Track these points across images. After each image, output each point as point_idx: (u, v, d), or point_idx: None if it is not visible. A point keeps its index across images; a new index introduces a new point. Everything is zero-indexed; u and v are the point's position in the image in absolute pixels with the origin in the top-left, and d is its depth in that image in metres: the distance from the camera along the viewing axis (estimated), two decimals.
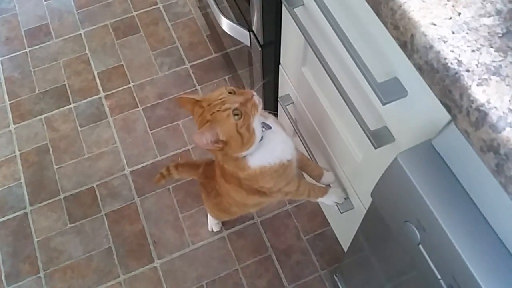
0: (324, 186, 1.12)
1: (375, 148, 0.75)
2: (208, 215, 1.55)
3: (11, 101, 1.87)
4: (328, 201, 1.10)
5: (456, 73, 0.50)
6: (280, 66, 1.23)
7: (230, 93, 0.89)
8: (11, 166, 1.74)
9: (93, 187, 1.69)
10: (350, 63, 0.79)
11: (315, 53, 0.84)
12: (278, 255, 1.55)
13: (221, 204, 1.24)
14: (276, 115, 1.50)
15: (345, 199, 1.10)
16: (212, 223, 1.57)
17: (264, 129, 0.93)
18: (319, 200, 1.10)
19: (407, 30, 0.55)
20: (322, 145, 1.15)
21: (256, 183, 1.00)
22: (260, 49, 1.16)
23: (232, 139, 0.87)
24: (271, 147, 0.94)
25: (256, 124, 0.88)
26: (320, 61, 0.83)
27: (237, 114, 0.84)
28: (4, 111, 1.85)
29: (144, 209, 1.64)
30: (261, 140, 0.92)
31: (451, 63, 0.50)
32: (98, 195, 1.67)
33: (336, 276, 1.41)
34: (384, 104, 0.64)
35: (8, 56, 1.97)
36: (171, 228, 1.61)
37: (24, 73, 1.93)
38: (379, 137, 0.76)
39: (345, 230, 1.30)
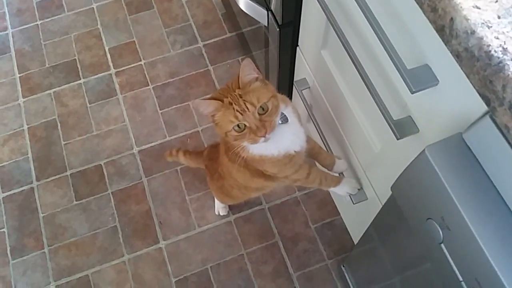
0: (337, 175, 1.08)
1: (398, 139, 0.71)
2: (215, 199, 1.52)
3: (20, 74, 1.84)
4: (340, 191, 1.06)
5: (500, 62, 0.45)
6: (297, 48, 1.18)
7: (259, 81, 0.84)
8: (18, 140, 1.72)
9: (101, 164, 1.67)
10: (376, 47, 0.74)
11: (337, 35, 0.79)
12: (285, 242, 1.52)
13: (223, 187, 1.21)
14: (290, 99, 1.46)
15: (358, 189, 1.06)
16: (219, 207, 1.54)
17: (280, 122, 0.88)
18: (331, 189, 1.07)
19: (446, 13, 0.50)
20: (338, 132, 1.11)
21: (260, 166, 0.97)
22: (278, 29, 1.11)
23: (220, 131, 0.85)
24: (278, 139, 0.89)
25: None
26: (342, 43, 0.78)
27: (239, 127, 0.81)
28: (14, 84, 1.82)
29: (151, 189, 1.62)
30: None
31: (495, 51, 0.46)
32: (105, 173, 1.65)
33: (343, 266, 1.38)
34: (413, 92, 0.60)
35: (19, 28, 1.94)
36: (178, 210, 1.59)
37: (35, 46, 1.90)
38: (402, 128, 0.71)
39: (356, 221, 1.26)
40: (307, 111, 1.18)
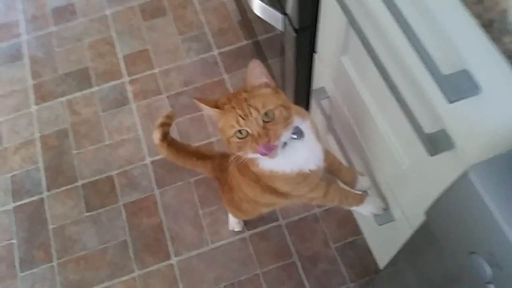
0: (359, 193, 0.99)
1: (431, 156, 0.62)
2: (229, 213, 1.44)
3: (33, 81, 1.81)
4: (364, 211, 0.96)
5: None
6: (315, 55, 1.10)
7: (271, 88, 0.77)
8: (30, 148, 1.69)
9: (112, 175, 1.61)
10: (404, 51, 0.65)
11: (359, 38, 0.71)
12: (303, 262, 1.43)
13: (233, 199, 1.12)
14: (307, 110, 1.37)
15: (384, 209, 0.96)
16: (233, 222, 1.46)
17: (295, 137, 0.80)
18: (354, 209, 0.97)
19: (496, 5, 0.41)
20: (360, 146, 1.01)
21: (271, 182, 0.88)
22: (294, 34, 1.03)
23: (223, 137, 0.78)
24: (291, 156, 0.81)
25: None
26: (365, 47, 0.70)
27: (241, 133, 0.75)
28: (26, 92, 1.80)
29: (163, 202, 1.55)
30: (283, 146, 0.80)
31: None
32: (117, 184, 1.60)
33: None
34: (451, 102, 0.51)
35: (33, 35, 1.92)
36: (190, 225, 1.51)
37: (48, 52, 1.87)
38: (436, 142, 0.62)
39: (381, 242, 1.16)
40: (326, 123, 1.09)
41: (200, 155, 1.13)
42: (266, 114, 0.74)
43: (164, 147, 1.06)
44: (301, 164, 0.83)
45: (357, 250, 1.43)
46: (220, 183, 1.19)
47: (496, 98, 0.52)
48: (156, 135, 1.04)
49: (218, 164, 1.12)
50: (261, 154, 0.75)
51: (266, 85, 0.77)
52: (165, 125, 1.05)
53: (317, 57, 1.09)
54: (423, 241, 0.66)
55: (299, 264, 1.43)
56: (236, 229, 1.47)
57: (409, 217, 0.89)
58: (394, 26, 0.59)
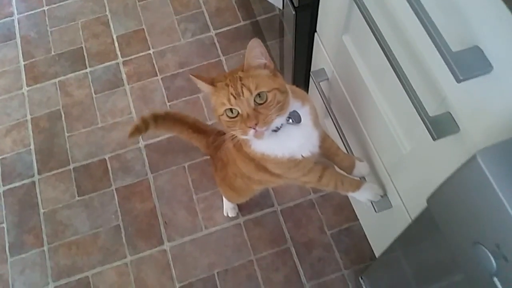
0: (356, 179, 0.95)
1: (434, 140, 0.58)
2: (223, 198, 1.41)
3: (25, 62, 1.76)
4: (361, 197, 0.93)
5: None
6: (315, 34, 1.05)
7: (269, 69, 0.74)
8: (21, 131, 1.64)
9: (105, 159, 1.57)
10: (409, 26, 0.61)
11: (362, 14, 0.66)
12: (298, 248, 1.40)
13: (227, 176, 1.10)
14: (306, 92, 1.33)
15: (381, 196, 0.93)
16: (228, 207, 1.43)
17: (291, 121, 0.78)
18: (350, 195, 0.94)
19: None
20: (359, 129, 0.98)
21: (263, 163, 0.86)
22: (293, 12, 0.98)
23: (215, 114, 0.76)
24: (284, 140, 0.79)
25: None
26: (368, 24, 0.65)
27: (232, 112, 0.73)
28: (18, 72, 1.75)
29: (156, 187, 1.52)
30: (276, 130, 0.78)
31: None
32: (109, 168, 1.56)
33: (361, 278, 1.26)
34: (460, 81, 0.47)
35: (25, 14, 1.86)
36: (184, 210, 1.48)
37: (41, 32, 1.81)
38: (440, 126, 0.59)
39: (377, 229, 1.13)
40: (325, 105, 1.05)
41: (196, 128, 1.14)
42: (259, 96, 0.72)
43: (154, 128, 1.12)
44: (293, 149, 0.81)
45: (352, 237, 1.41)
46: (213, 161, 1.16)
47: (506, 77, 0.48)
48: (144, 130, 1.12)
49: (213, 141, 1.10)
50: (248, 136, 0.74)
51: (265, 67, 0.74)
52: (145, 120, 1.12)
53: (317, 37, 1.04)
54: (422, 230, 0.63)
55: (293, 251, 1.40)
56: (231, 215, 1.44)
57: (407, 204, 0.86)
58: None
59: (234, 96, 0.71)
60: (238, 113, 0.73)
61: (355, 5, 0.70)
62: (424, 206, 0.78)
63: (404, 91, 0.63)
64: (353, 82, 0.92)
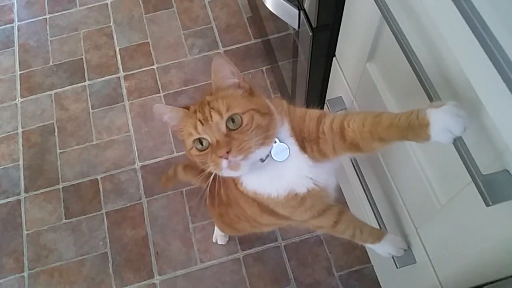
0: (377, 229, 0.82)
1: (488, 205, 0.46)
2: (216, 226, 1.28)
3: (21, 71, 1.67)
4: (380, 251, 0.80)
5: None
6: (334, 59, 0.94)
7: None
8: (11, 144, 1.54)
9: (97, 179, 1.46)
10: (456, 58, 0.49)
11: (397, 39, 0.55)
12: None
13: (226, 216, 0.95)
14: None
15: (404, 250, 0.80)
16: (218, 235, 1.31)
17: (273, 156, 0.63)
18: (368, 246, 0.81)
19: None
20: (381, 172, 0.85)
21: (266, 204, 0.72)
22: (310, 33, 0.87)
23: (185, 150, 0.63)
24: (274, 174, 0.65)
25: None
26: (404, 50, 0.54)
27: (201, 143, 0.60)
28: (13, 82, 1.65)
29: (150, 213, 1.40)
30: (263, 160, 0.63)
31: None
32: (101, 189, 1.44)
33: None
34: None
35: (26, 21, 1.77)
36: (179, 240, 1.36)
37: (40, 41, 1.72)
38: (494, 188, 0.46)
39: (394, 280, 1.00)
40: None
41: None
42: (232, 120, 0.59)
43: (183, 176, 1.02)
44: (288, 185, 0.66)
45: (363, 281, 1.27)
46: (210, 193, 1.02)
47: None
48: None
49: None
50: (222, 170, 0.60)
51: (238, 86, 0.62)
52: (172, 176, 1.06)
53: (336, 62, 0.93)
54: None
55: None
56: (220, 242, 1.32)
57: (435, 262, 0.73)
58: (446, 21, 0.43)
59: (201, 122, 0.59)
60: (208, 144, 0.60)
61: (387, 28, 0.58)
62: (459, 270, 0.65)
63: None
64: None
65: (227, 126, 0.59)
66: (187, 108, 0.63)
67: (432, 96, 0.52)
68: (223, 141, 0.58)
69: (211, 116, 0.59)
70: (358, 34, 0.78)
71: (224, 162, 0.58)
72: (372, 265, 1.24)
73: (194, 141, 0.60)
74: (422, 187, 0.69)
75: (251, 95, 0.63)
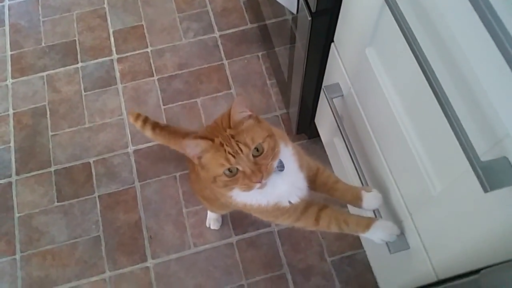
0: (365, 216, 0.83)
1: (486, 191, 0.46)
2: (208, 209, 1.29)
3: (12, 52, 1.64)
4: (372, 237, 0.81)
5: None
6: (332, 44, 0.93)
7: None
8: (1, 126, 1.51)
9: (89, 162, 1.45)
10: (458, 42, 0.49)
11: (399, 23, 0.54)
12: (295, 274, 1.28)
13: (204, 191, 1.01)
14: (315, 108, 1.21)
15: (397, 236, 0.80)
16: (211, 218, 1.32)
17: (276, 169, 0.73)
18: (361, 235, 0.82)
19: None
20: (376, 155, 0.86)
21: (247, 211, 0.82)
22: (309, 18, 0.86)
23: (207, 175, 0.72)
24: (268, 189, 0.74)
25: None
26: (405, 36, 0.53)
27: (231, 171, 0.69)
28: (4, 63, 1.62)
29: (143, 197, 1.39)
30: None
31: None
32: (93, 172, 1.43)
33: None
34: None
35: (17, 1, 1.73)
36: (172, 224, 1.36)
37: (32, 22, 1.69)
38: (493, 174, 0.46)
39: (387, 265, 1.01)
40: (337, 124, 0.93)
41: (184, 134, 1.06)
42: (256, 149, 0.70)
43: (159, 134, 1.08)
44: (279, 197, 0.77)
45: (355, 266, 1.29)
46: (190, 164, 1.04)
47: None
48: (147, 131, 1.09)
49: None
50: (251, 190, 0.71)
51: (249, 117, 0.72)
52: (147, 120, 1.09)
53: (334, 48, 0.92)
54: None
55: (289, 277, 1.28)
56: (213, 227, 1.33)
57: (429, 248, 0.74)
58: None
59: (232, 155, 0.68)
60: (237, 170, 0.69)
61: (388, 13, 0.58)
62: (453, 256, 0.66)
63: (446, 122, 0.51)
64: (374, 102, 0.80)
65: (252, 155, 0.69)
66: (212, 140, 0.70)
67: (433, 83, 0.52)
68: (255, 169, 0.68)
69: (240, 150, 0.68)
70: (358, 19, 0.77)
71: (257, 185, 0.70)
72: (365, 251, 1.25)
73: (225, 170, 0.69)
74: (417, 173, 0.70)
75: (259, 121, 0.72)
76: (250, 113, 0.71)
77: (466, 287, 0.51)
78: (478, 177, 0.46)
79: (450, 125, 0.50)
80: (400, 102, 0.71)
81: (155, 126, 1.08)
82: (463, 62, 0.51)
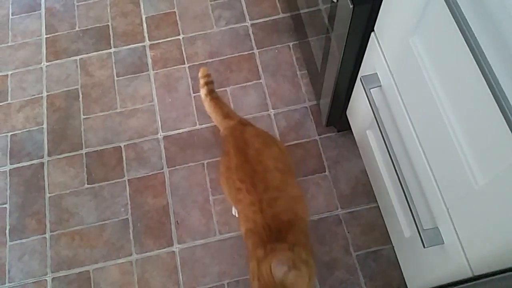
0: None
1: None
2: None
3: (47, 35, 1.67)
4: None
5: None
6: (372, 33, 0.92)
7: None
8: (35, 107, 1.55)
9: (120, 146, 1.47)
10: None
11: (451, 10, 0.53)
12: (319, 267, 1.28)
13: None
14: (348, 98, 1.20)
15: (432, 229, 0.79)
16: None
17: None
18: None
19: None
20: (414, 148, 0.84)
21: None
22: (351, 6, 0.85)
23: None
24: None
25: None
26: (458, 23, 0.52)
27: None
28: (39, 46, 1.65)
29: (171, 183, 1.41)
30: None
31: None
32: (124, 157, 1.45)
33: None
34: None
35: None
36: (199, 210, 1.37)
37: (67, 6, 1.72)
38: None
39: (417, 261, 1.00)
40: (374, 115, 0.92)
41: (226, 115, 1.14)
42: None
43: (207, 101, 1.16)
44: None
45: (381, 262, 1.28)
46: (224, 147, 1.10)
47: None
48: (203, 91, 1.16)
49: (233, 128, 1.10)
50: None
51: (289, 270, 0.80)
52: (209, 83, 1.16)
53: (374, 37, 0.91)
54: None
55: None
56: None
57: (465, 244, 0.73)
58: None
59: None
60: None
61: (437, 0, 0.56)
62: (491, 251, 0.64)
63: (493, 113, 0.49)
64: (416, 93, 0.79)
65: None
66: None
67: (486, 71, 0.51)
68: None
69: None
70: (403, 7, 0.75)
71: None
72: (392, 246, 1.24)
73: None
74: (459, 167, 0.68)
75: (302, 264, 0.85)
76: (287, 267, 0.78)
77: (504, 281, 0.50)
78: None
79: (503, 114, 0.48)
80: (444, 93, 0.70)
81: (211, 92, 1.16)
82: None
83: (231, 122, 1.11)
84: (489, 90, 0.51)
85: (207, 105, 1.17)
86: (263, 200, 0.92)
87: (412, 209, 0.82)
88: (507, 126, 0.50)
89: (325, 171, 1.39)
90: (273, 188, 0.94)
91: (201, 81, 1.16)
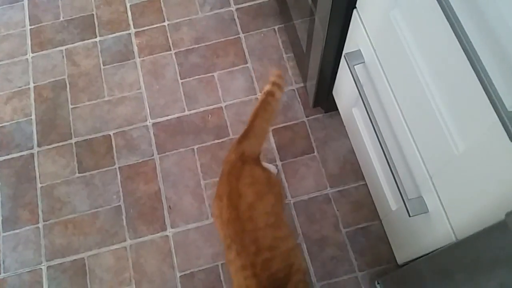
0: None
1: None
2: None
3: (32, 26, 1.66)
4: None
5: None
6: (354, 11, 0.93)
7: None
8: (23, 99, 1.54)
9: (110, 135, 1.47)
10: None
11: None
12: (310, 245, 1.31)
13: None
14: (335, 76, 1.21)
15: (416, 198, 0.82)
16: None
17: None
18: None
19: None
20: (398, 120, 0.87)
21: None
22: None
23: None
24: None
25: None
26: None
27: None
28: (24, 37, 1.64)
29: (162, 169, 1.42)
30: None
31: None
32: (113, 145, 1.46)
33: (377, 284, 1.16)
34: None
35: None
36: (190, 195, 1.39)
37: None
38: None
39: (404, 233, 1.03)
40: (358, 91, 0.94)
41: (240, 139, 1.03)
42: None
43: (263, 97, 1.03)
44: None
45: (370, 237, 1.31)
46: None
47: None
48: (267, 87, 1.03)
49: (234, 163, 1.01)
50: None
51: None
52: (276, 85, 1.03)
53: (356, 14, 0.92)
54: (487, 250, 0.52)
55: (305, 247, 1.31)
56: None
57: (450, 212, 0.76)
58: None
59: None
60: None
61: None
62: (473, 214, 0.67)
63: (472, 80, 0.52)
64: (398, 67, 0.81)
65: None
66: None
67: (466, 47, 0.53)
68: None
69: None
70: None
71: None
72: (380, 221, 1.27)
73: None
74: (440, 135, 0.71)
75: None
76: None
77: (493, 231, 0.52)
78: (505, 126, 0.47)
79: (478, 78, 0.51)
80: (424, 64, 0.72)
81: (271, 94, 1.03)
82: (496, 19, 0.52)
83: (232, 156, 1.02)
84: (466, 58, 0.53)
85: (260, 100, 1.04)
86: (256, 264, 0.88)
87: (397, 180, 0.85)
88: (483, 93, 0.52)
89: (313, 152, 1.41)
90: (265, 249, 0.89)
91: (271, 78, 1.05)
